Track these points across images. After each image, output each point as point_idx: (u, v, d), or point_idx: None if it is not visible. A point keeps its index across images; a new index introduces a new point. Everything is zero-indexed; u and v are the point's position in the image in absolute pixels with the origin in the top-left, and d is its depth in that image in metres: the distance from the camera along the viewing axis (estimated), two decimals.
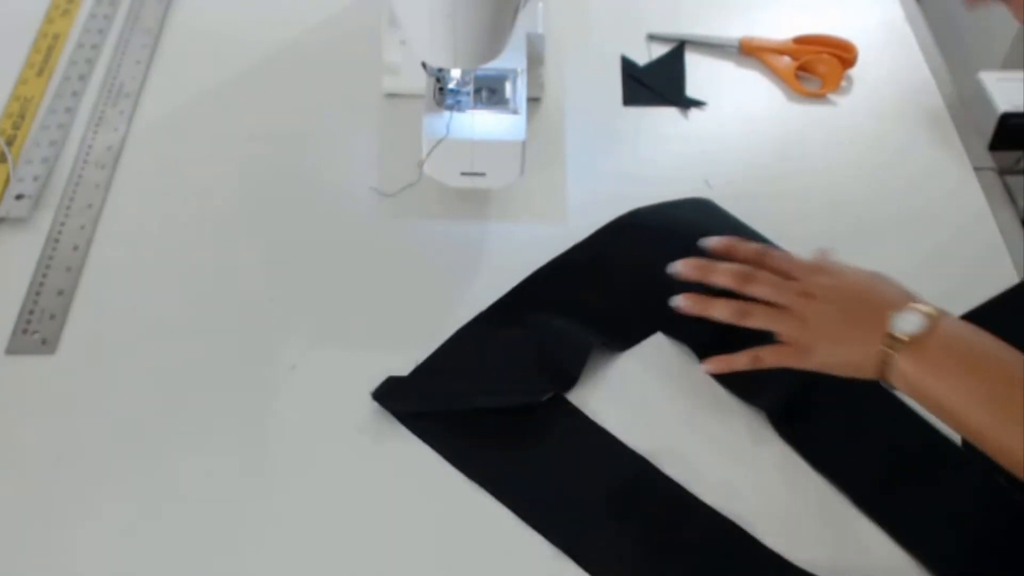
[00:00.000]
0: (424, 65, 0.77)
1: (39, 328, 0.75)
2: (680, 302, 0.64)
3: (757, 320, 0.63)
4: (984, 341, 0.58)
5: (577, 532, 0.63)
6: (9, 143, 0.87)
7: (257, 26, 1.00)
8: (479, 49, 0.72)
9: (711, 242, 0.64)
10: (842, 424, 0.69)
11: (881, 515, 0.64)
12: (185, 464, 0.68)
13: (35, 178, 0.85)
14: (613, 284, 0.78)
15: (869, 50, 0.96)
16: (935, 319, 0.58)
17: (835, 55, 0.96)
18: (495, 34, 0.72)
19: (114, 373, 0.73)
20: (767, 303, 0.64)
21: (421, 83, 0.80)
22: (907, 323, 0.58)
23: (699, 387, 0.72)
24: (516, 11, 0.73)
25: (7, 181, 0.84)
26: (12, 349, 0.74)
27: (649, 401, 0.71)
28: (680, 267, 0.63)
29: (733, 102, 0.95)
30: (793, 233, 0.81)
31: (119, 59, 0.96)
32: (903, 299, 0.60)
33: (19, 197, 0.83)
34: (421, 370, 0.71)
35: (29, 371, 0.72)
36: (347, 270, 0.80)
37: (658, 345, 0.74)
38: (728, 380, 0.71)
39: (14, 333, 0.74)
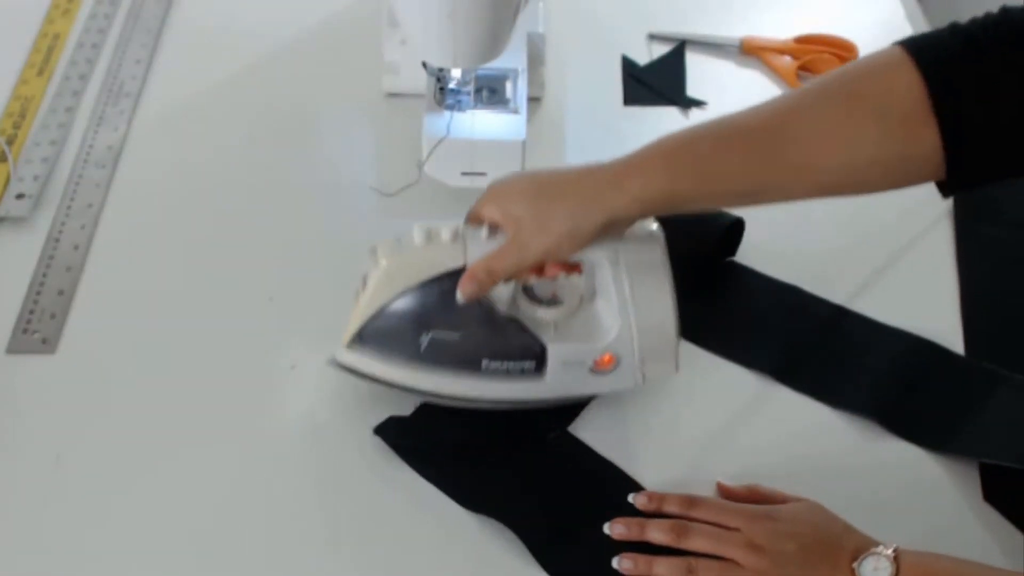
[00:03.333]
0: (424, 65, 0.77)
1: (39, 328, 0.75)
2: (623, 564, 0.62)
3: None
4: (947, 565, 0.58)
5: (576, 560, 0.63)
6: (10, 142, 0.87)
7: (257, 26, 1.00)
8: (479, 49, 0.72)
9: (638, 501, 0.64)
10: (838, 361, 0.74)
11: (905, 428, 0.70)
12: (185, 464, 0.68)
13: (35, 177, 0.85)
14: None
15: (870, 50, 0.95)
16: (898, 558, 0.58)
17: (836, 55, 0.96)
18: (495, 34, 0.72)
19: (114, 373, 0.73)
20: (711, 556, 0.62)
21: (421, 83, 0.80)
22: (877, 572, 0.58)
23: (706, 411, 0.73)
24: (516, 11, 0.73)
25: (7, 180, 0.84)
26: (12, 348, 0.73)
27: (651, 427, 0.71)
28: (616, 529, 0.63)
29: (734, 102, 0.93)
30: (793, 233, 0.81)
31: (119, 59, 0.96)
32: (860, 542, 0.60)
33: (19, 196, 0.83)
34: (423, 410, 0.70)
35: (29, 371, 0.72)
36: (347, 270, 0.80)
37: None
38: (726, 349, 0.75)
39: (14, 333, 0.74)
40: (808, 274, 0.79)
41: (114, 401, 0.71)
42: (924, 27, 1.01)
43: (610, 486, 0.67)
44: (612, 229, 0.62)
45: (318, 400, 0.71)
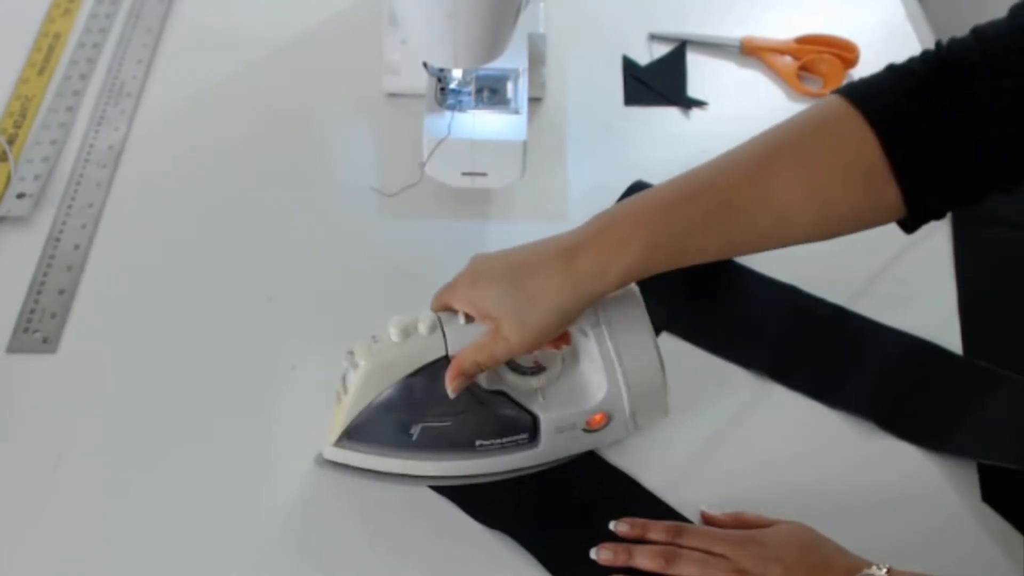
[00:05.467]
0: (425, 65, 0.77)
1: (40, 327, 0.75)
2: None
3: None
4: None
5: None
6: (10, 142, 0.87)
7: (258, 26, 1.00)
8: (480, 49, 0.72)
9: (621, 528, 0.64)
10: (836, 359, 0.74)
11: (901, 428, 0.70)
12: (185, 464, 0.68)
13: (36, 177, 0.85)
14: None
15: (870, 50, 0.96)
16: None
17: (836, 55, 0.96)
18: (496, 34, 0.72)
19: (114, 372, 0.73)
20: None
21: (422, 83, 0.80)
22: None
23: (714, 413, 0.73)
24: (517, 11, 0.73)
25: (8, 180, 0.84)
26: (13, 348, 0.74)
27: (652, 427, 0.71)
28: (603, 555, 0.63)
29: (734, 102, 0.95)
30: None
31: (120, 58, 0.96)
32: (851, 563, 0.59)
33: (20, 196, 0.83)
34: None
35: (30, 370, 0.72)
36: (347, 270, 0.80)
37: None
38: (725, 349, 0.75)
39: (15, 332, 0.74)
40: (807, 274, 0.79)
41: (114, 401, 0.71)
42: (924, 27, 1.02)
43: (618, 495, 0.67)
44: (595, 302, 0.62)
45: (318, 401, 0.71)
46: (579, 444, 0.68)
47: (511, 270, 0.61)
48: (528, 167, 0.78)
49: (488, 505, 0.66)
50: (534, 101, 0.91)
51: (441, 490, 0.66)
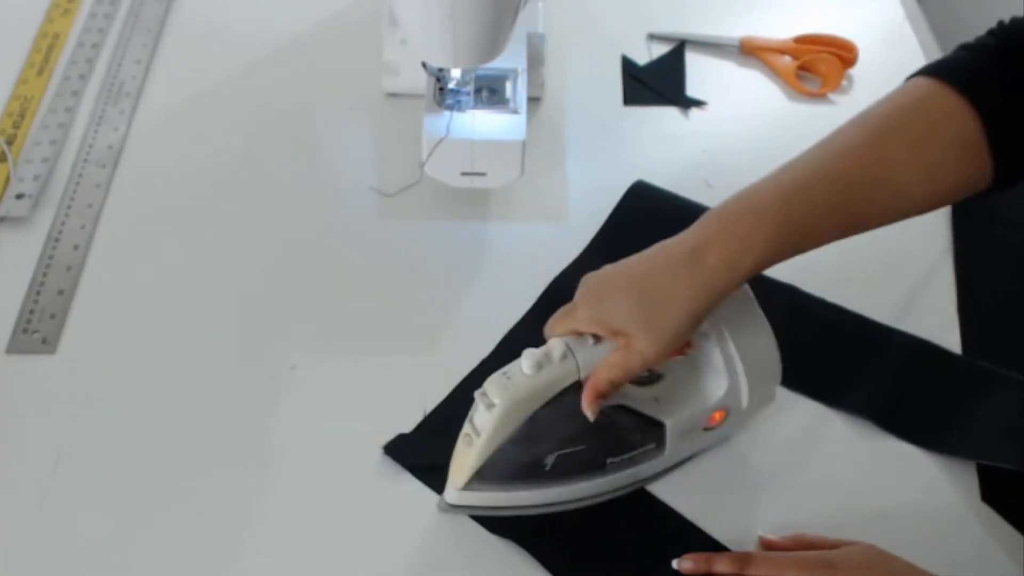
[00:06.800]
0: (424, 65, 0.77)
1: (39, 327, 0.75)
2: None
3: None
4: None
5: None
6: (9, 142, 0.87)
7: (257, 26, 1.00)
8: (479, 49, 0.72)
9: (685, 565, 0.63)
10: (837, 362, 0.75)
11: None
12: (185, 464, 0.68)
13: (35, 177, 0.85)
14: None
15: (869, 50, 0.96)
16: None
17: (836, 55, 0.96)
18: (495, 34, 0.72)
19: (114, 372, 0.73)
20: None
21: (421, 83, 0.80)
22: None
23: None
24: (516, 11, 0.73)
25: (7, 180, 0.84)
26: (12, 348, 0.74)
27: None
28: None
29: (734, 102, 0.95)
30: None
31: (119, 58, 0.96)
32: None
33: (19, 196, 0.83)
34: (429, 423, 0.70)
35: (29, 370, 0.72)
36: (347, 270, 0.80)
37: None
38: None
39: (14, 332, 0.74)
40: (807, 274, 0.79)
41: (114, 401, 0.71)
42: (924, 27, 1.02)
43: (621, 497, 0.67)
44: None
45: (318, 401, 0.71)
46: (699, 444, 0.68)
47: (634, 281, 0.60)
48: (527, 167, 0.78)
49: (533, 542, 0.65)
50: (533, 101, 0.91)
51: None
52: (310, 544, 0.64)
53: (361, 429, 0.69)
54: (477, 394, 0.61)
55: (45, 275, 0.78)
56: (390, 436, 0.69)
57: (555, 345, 0.61)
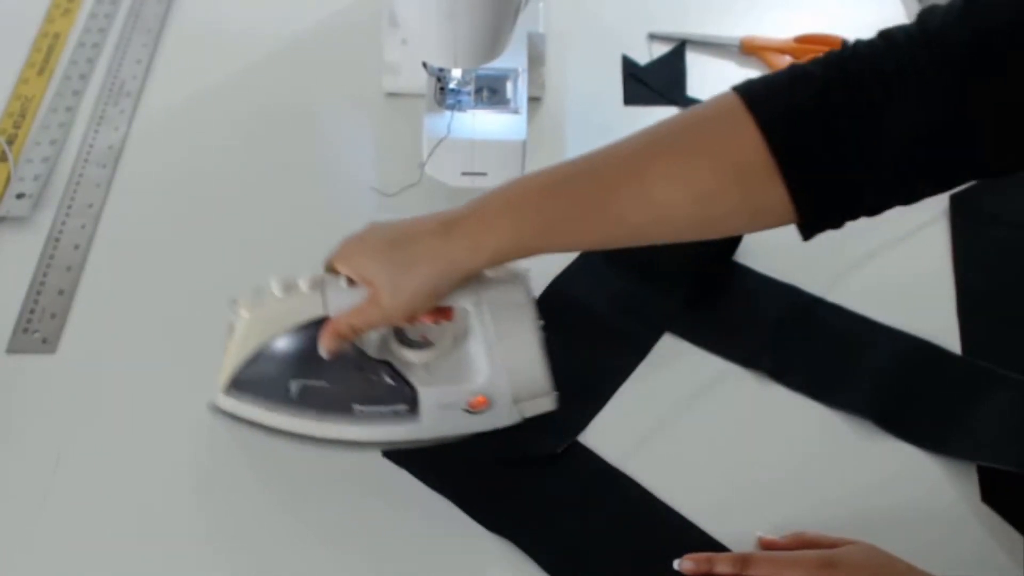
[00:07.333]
0: (425, 65, 0.77)
1: (39, 327, 0.75)
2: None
3: None
4: None
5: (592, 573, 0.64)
6: (10, 142, 0.87)
7: (257, 25, 1.00)
8: (480, 49, 0.72)
9: (686, 566, 0.62)
10: (834, 358, 0.75)
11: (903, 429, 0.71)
12: (186, 464, 0.68)
13: (36, 177, 0.85)
14: (616, 292, 0.78)
15: None
16: None
17: None
18: (496, 34, 0.72)
19: (114, 372, 0.73)
20: None
21: (422, 82, 0.80)
22: None
23: (711, 408, 0.73)
24: (517, 11, 0.73)
25: (8, 180, 0.84)
26: (12, 348, 0.74)
27: (654, 429, 0.71)
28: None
29: None
30: (792, 232, 0.81)
31: (120, 58, 0.96)
32: None
33: (20, 196, 0.83)
34: None
35: (29, 370, 0.72)
36: None
37: (669, 356, 0.75)
38: (724, 349, 0.75)
39: (15, 332, 0.74)
40: (806, 274, 0.79)
41: (115, 401, 0.71)
42: None
43: (622, 498, 0.67)
44: (470, 278, 0.62)
45: None
46: (462, 425, 0.68)
47: (392, 238, 0.62)
48: (528, 167, 0.78)
49: (533, 543, 0.65)
50: (533, 101, 0.91)
51: (446, 493, 0.67)
52: (311, 543, 0.64)
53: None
54: (228, 302, 0.64)
55: (45, 275, 0.78)
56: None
57: (307, 276, 0.63)
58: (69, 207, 0.83)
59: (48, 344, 0.74)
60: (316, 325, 0.63)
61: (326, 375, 0.65)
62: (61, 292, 0.77)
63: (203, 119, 0.91)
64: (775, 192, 0.55)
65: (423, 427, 0.67)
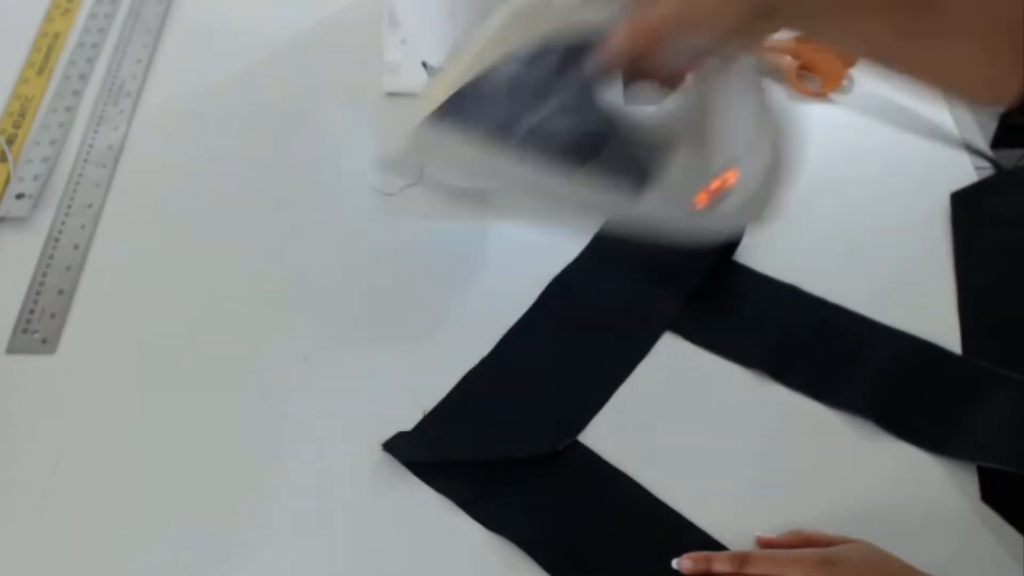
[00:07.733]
0: (425, 65, 0.77)
1: (39, 327, 0.75)
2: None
3: None
4: None
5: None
6: (9, 142, 0.87)
7: (257, 25, 1.00)
8: None
9: (685, 565, 0.62)
10: (836, 358, 0.74)
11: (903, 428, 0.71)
12: (187, 464, 0.68)
13: (35, 177, 0.85)
14: (616, 291, 0.78)
15: None
16: None
17: (836, 54, 0.96)
18: None
19: (114, 372, 0.73)
20: None
21: (422, 83, 0.80)
22: None
23: (712, 405, 0.73)
24: None
25: (7, 180, 0.84)
26: (12, 348, 0.74)
27: (656, 430, 0.71)
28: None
29: None
30: (793, 232, 0.81)
31: (120, 58, 0.96)
32: None
33: (19, 196, 0.83)
34: (429, 421, 0.70)
35: (29, 370, 0.72)
36: (347, 270, 0.80)
37: (668, 355, 0.75)
38: (724, 349, 0.75)
39: (14, 332, 0.74)
40: (807, 274, 0.79)
41: (114, 401, 0.71)
42: None
43: (622, 497, 0.67)
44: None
45: (319, 402, 0.71)
46: (687, 219, 0.58)
47: None
48: None
49: (532, 542, 0.65)
50: None
51: (446, 492, 0.66)
52: (310, 542, 0.64)
53: (360, 427, 0.69)
54: None
55: (45, 275, 0.78)
56: (389, 434, 0.69)
57: None
58: (69, 207, 0.83)
59: (48, 344, 0.74)
60: (577, 50, 0.50)
61: (567, 117, 0.53)
62: (61, 292, 0.77)
63: (203, 119, 0.91)
64: None
65: (646, 211, 0.56)
